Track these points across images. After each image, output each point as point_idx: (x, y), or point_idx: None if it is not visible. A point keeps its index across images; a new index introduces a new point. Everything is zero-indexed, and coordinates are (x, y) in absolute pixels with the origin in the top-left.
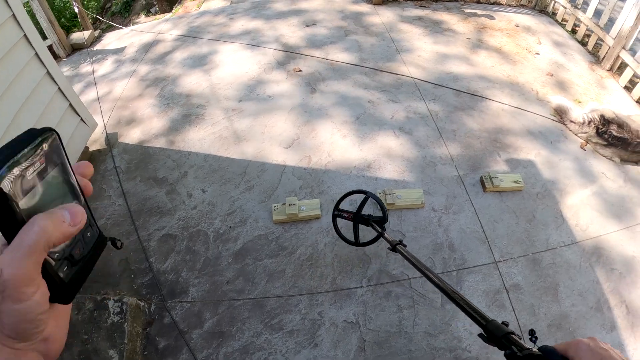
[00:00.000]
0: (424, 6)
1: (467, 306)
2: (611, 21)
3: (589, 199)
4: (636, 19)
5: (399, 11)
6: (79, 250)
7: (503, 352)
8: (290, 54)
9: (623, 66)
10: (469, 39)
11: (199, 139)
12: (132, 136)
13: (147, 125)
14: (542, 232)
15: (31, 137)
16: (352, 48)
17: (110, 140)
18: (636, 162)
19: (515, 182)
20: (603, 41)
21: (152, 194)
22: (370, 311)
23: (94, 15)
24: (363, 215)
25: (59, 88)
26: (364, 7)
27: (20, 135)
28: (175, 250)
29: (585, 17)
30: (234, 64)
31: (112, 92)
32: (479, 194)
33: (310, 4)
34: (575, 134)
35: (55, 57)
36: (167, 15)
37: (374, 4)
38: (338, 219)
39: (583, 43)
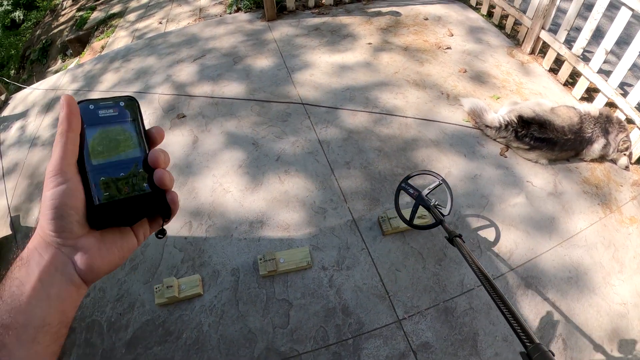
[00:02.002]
0: (323, 13)
1: (516, 322)
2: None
3: (512, 218)
4: None
5: (294, 23)
6: (126, 188)
7: None
8: (177, 96)
9: (546, 48)
10: (370, 43)
11: None
12: (31, 218)
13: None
14: (455, 273)
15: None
16: (240, 78)
17: (14, 223)
18: (567, 159)
19: (419, 217)
20: (521, 22)
21: None
22: None
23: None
24: (428, 198)
25: None
26: (258, 25)
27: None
28: (77, 344)
29: None
30: None
31: (17, 166)
32: (377, 238)
33: (205, 32)
34: (494, 139)
35: None
36: (72, 64)
37: (268, 20)
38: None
39: (501, 26)
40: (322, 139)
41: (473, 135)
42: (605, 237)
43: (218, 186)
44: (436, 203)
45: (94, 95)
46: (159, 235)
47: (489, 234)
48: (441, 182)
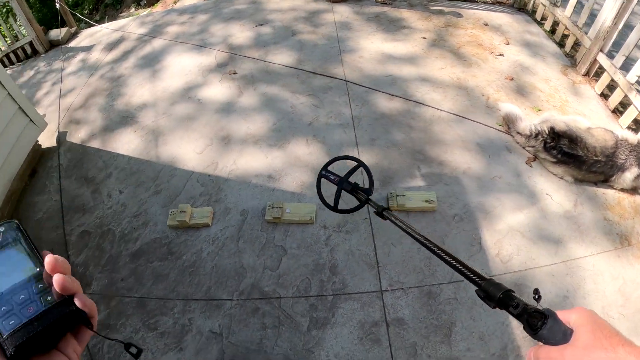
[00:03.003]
0: (386, 3)
1: (463, 267)
2: (591, 20)
3: (522, 225)
4: (615, 17)
5: (356, 9)
6: (30, 309)
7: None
8: (232, 55)
9: (601, 71)
10: (424, 37)
11: (128, 141)
12: (77, 136)
13: (90, 126)
14: None
15: None
16: (293, 49)
17: (61, 138)
18: (594, 183)
19: (427, 201)
20: (581, 43)
21: (80, 192)
22: (235, 325)
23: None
24: (349, 182)
25: (9, 93)
26: (321, 5)
27: None
28: (89, 246)
29: (564, 15)
30: (178, 67)
31: (73, 91)
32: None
33: (270, 3)
34: (523, 148)
35: (35, 52)
36: (144, 12)
37: (332, 1)
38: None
39: (561, 44)
40: (355, 114)
41: (503, 139)
42: (616, 268)
43: (250, 137)
44: (357, 184)
45: (157, 42)
46: (132, 353)
47: (492, 234)
48: (359, 164)
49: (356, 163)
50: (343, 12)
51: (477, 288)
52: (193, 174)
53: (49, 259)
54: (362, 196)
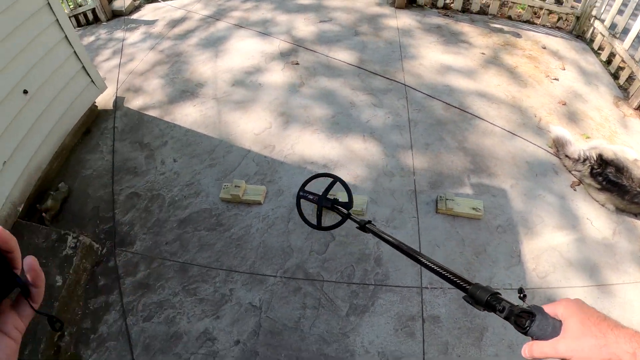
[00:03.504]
0: (448, 15)
1: (449, 273)
2: None
3: (561, 244)
4: None
5: (419, 17)
6: None
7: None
8: (295, 46)
9: None
10: (483, 53)
11: (186, 114)
12: (135, 103)
13: (149, 95)
14: (487, 269)
15: None
16: (355, 48)
17: (118, 103)
18: (635, 214)
19: (474, 208)
20: (635, 76)
21: (134, 155)
22: (275, 301)
23: None
24: (328, 198)
25: (75, 52)
26: (385, 10)
27: None
28: (136, 207)
29: (621, 48)
30: (241, 50)
31: (133, 61)
32: (430, 213)
33: (334, 1)
34: (570, 171)
35: (96, 20)
36: None
37: (396, 7)
38: (302, 201)
39: (615, 76)
40: (411, 118)
41: (551, 161)
42: None
43: (309, 126)
44: (337, 199)
45: (220, 24)
46: (55, 327)
47: (532, 249)
48: (335, 180)
49: (332, 179)
50: (406, 19)
51: (464, 294)
52: (249, 152)
53: None
54: (342, 211)
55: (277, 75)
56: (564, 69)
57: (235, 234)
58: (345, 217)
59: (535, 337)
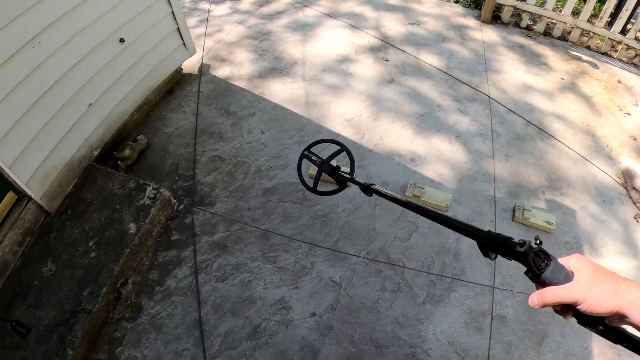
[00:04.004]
0: (530, 36)
1: (462, 224)
2: None
3: (620, 270)
4: None
5: (503, 34)
6: None
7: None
8: (384, 43)
9: None
10: (562, 78)
11: (276, 90)
12: (221, 71)
13: (237, 67)
14: None
15: None
16: (443, 54)
17: (203, 69)
18: None
19: (547, 222)
20: None
21: (219, 121)
22: (356, 280)
23: None
24: (331, 165)
25: (172, 11)
26: (471, 22)
27: None
28: (219, 170)
29: None
30: (331, 38)
31: (219, 32)
32: (506, 220)
33: (421, 5)
34: (635, 203)
35: None
36: None
37: (482, 21)
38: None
39: None
40: (494, 129)
41: (618, 191)
42: None
43: (398, 120)
44: (340, 167)
45: (309, 11)
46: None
47: None
48: (343, 149)
49: (339, 147)
50: (490, 33)
51: (479, 240)
52: (339, 136)
53: None
54: (344, 176)
55: (367, 68)
56: (637, 105)
57: (321, 211)
58: (347, 180)
59: (547, 282)
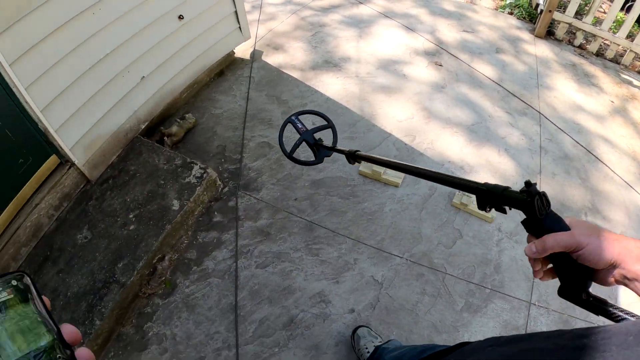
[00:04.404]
0: (583, 55)
1: (457, 179)
2: None
3: None
4: None
5: (556, 50)
6: None
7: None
8: (438, 48)
9: None
10: (612, 102)
11: (329, 83)
12: (273, 59)
13: (289, 56)
14: None
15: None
16: (496, 65)
17: (255, 55)
18: None
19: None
20: None
21: (270, 108)
22: (397, 281)
23: None
24: (314, 137)
25: None
26: (524, 35)
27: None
28: (267, 157)
29: None
30: (385, 37)
31: (272, 20)
32: None
33: (476, 14)
34: None
35: None
36: None
37: (535, 36)
38: (289, 127)
39: None
40: (543, 146)
41: None
42: None
43: (448, 127)
44: (321, 141)
45: (364, 8)
46: None
47: (627, 294)
48: (330, 125)
49: (326, 123)
50: (544, 49)
51: (478, 195)
52: (390, 136)
53: (68, 329)
54: (326, 147)
55: (421, 71)
56: None
57: (368, 209)
58: (330, 150)
59: (546, 229)
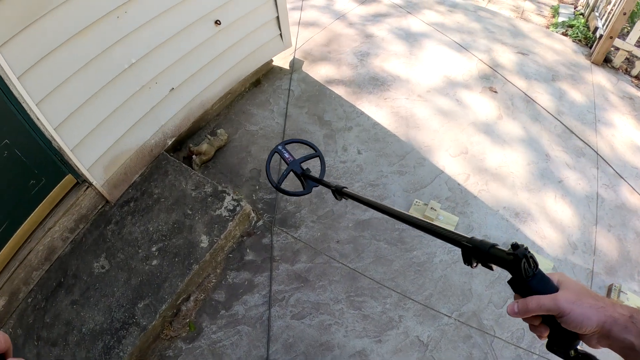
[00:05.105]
0: (639, 87)
1: (445, 230)
2: None
3: None
4: None
5: (613, 80)
6: None
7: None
8: (492, 71)
9: None
10: None
11: (376, 104)
12: (315, 71)
13: (333, 68)
14: None
15: None
16: (553, 94)
17: (295, 64)
18: None
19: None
20: None
21: (311, 129)
22: (444, 343)
23: None
24: (301, 166)
25: None
26: (581, 60)
27: None
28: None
29: None
30: (437, 55)
31: (314, 25)
32: None
33: (530, 33)
34: None
35: None
36: None
37: (592, 62)
38: (277, 157)
39: None
40: (599, 193)
41: None
42: None
43: (504, 166)
44: (308, 171)
45: (413, 20)
46: None
47: None
48: (318, 155)
49: (314, 151)
50: (601, 78)
51: (463, 247)
52: (442, 174)
53: None
54: (313, 178)
55: (475, 98)
56: None
57: (417, 258)
58: (316, 182)
59: (532, 290)
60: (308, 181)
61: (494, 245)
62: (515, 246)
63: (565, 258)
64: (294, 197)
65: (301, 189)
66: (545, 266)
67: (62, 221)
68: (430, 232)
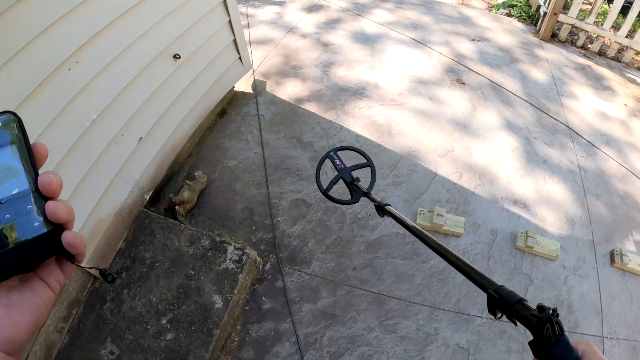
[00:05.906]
0: (587, 56)
1: (472, 271)
2: None
3: None
4: None
5: (563, 52)
6: (14, 234)
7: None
8: (455, 62)
9: None
10: (625, 105)
11: (353, 115)
12: (281, 91)
13: (299, 86)
14: None
15: None
16: (516, 77)
17: (258, 87)
18: None
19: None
20: None
21: (293, 154)
22: (482, 343)
23: None
24: (352, 175)
25: (230, 20)
26: (531, 38)
27: None
28: (307, 218)
29: None
30: (397, 55)
31: (267, 42)
32: (606, 266)
33: (477, 18)
34: None
35: None
36: None
37: (541, 39)
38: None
39: None
40: (581, 165)
41: None
42: None
43: (491, 156)
44: (359, 179)
45: (365, 22)
46: (108, 280)
47: None
48: (369, 165)
49: (365, 160)
50: (553, 53)
51: (489, 294)
52: (436, 176)
53: (45, 179)
54: (362, 189)
55: (446, 93)
56: None
57: (436, 267)
58: (363, 195)
59: (554, 359)
60: (357, 190)
61: (521, 301)
62: (541, 308)
63: (568, 235)
64: (296, 231)
65: (348, 198)
66: (552, 247)
67: (53, 312)
68: (464, 273)
